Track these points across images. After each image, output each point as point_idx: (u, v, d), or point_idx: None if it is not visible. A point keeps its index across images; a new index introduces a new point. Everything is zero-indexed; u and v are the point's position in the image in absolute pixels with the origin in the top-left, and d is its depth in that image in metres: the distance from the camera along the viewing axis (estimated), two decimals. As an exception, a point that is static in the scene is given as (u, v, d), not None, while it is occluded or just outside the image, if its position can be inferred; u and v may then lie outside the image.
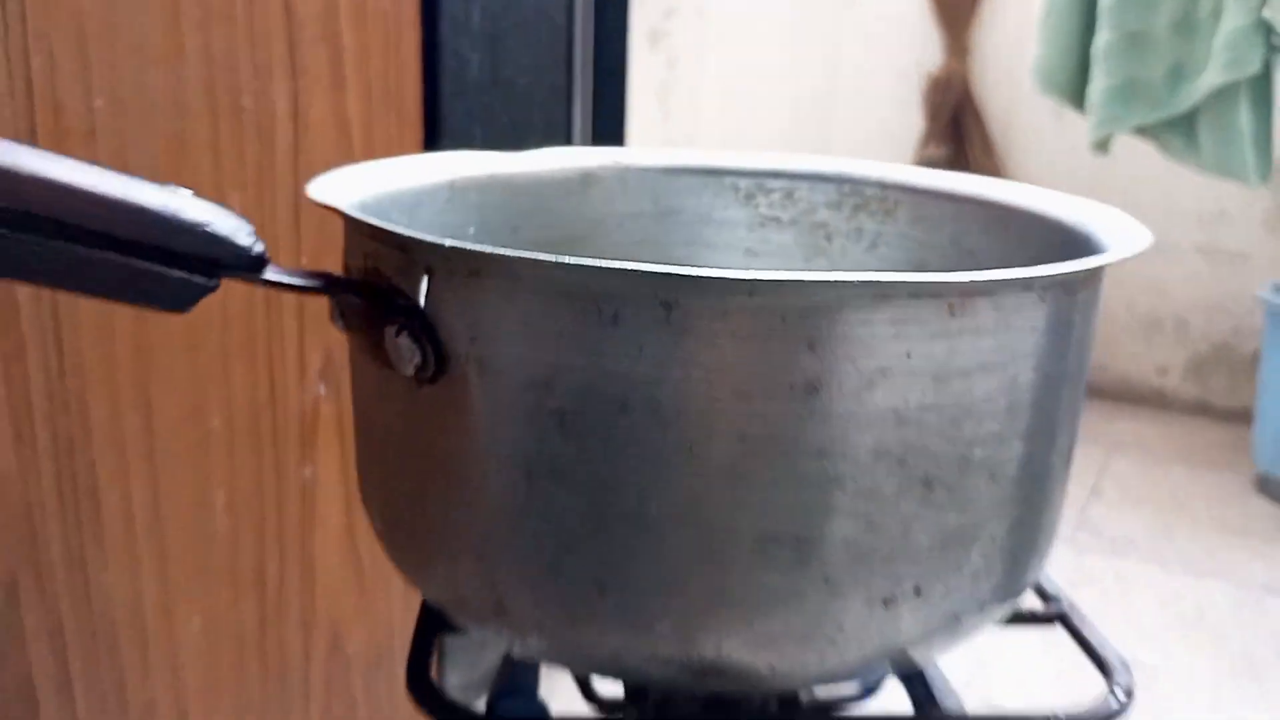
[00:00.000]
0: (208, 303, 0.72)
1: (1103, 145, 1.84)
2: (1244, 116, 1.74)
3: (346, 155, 0.80)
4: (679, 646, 0.31)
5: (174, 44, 0.67)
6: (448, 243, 0.29)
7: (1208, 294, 2.33)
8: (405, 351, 0.31)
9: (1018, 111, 2.38)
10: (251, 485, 0.78)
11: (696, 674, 0.32)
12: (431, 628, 0.38)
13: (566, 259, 0.27)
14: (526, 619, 0.32)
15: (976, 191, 0.46)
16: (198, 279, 0.28)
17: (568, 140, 1.07)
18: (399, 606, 0.93)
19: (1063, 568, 1.62)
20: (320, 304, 0.79)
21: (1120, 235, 0.34)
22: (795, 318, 0.27)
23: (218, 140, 0.71)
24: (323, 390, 0.82)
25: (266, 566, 0.80)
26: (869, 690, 0.44)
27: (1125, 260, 0.32)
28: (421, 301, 0.30)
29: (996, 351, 0.29)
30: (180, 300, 0.28)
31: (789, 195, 0.51)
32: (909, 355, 0.28)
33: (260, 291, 0.76)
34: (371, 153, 0.82)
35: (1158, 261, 2.35)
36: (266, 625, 0.81)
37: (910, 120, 2.47)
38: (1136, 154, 1.88)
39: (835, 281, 0.27)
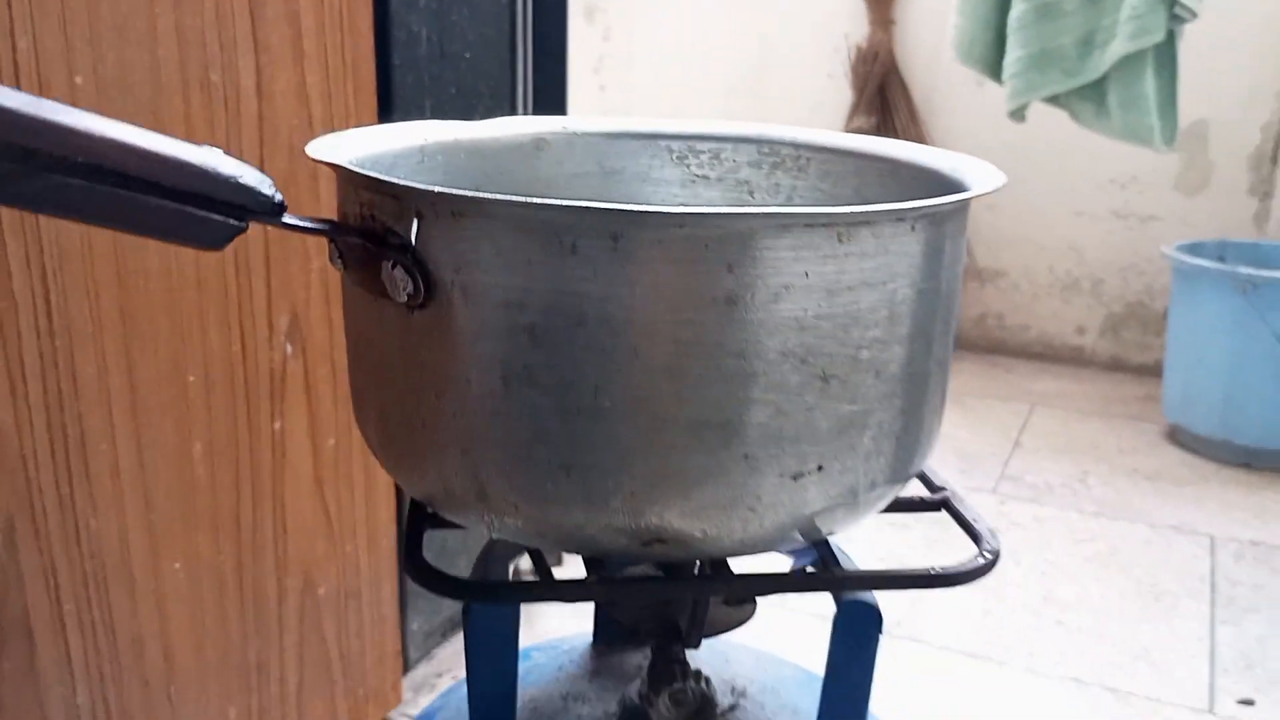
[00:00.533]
0: (183, 267, 0.77)
1: (1019, 113, 1.94)
2: (1150, 84, 1.84)
3: (307, 124, 0.85)
4: (630, 518, 0.38)
5: (148, 24, 0.72)
6: (436, 189, 0.35)
7: (1121, 255, 2.45)
8: (400, 282, 0.37)
9: (939, 82, 2.48)
10: (227, 437, 0.83)
11: (644, 542, 0.39)
12: (419, 524, 0.45)
13: (535, 199, 0.34)
14: (505, 502, 0.39)
15: (873, 150, 0.53)
16: (231, 221, 0.34)
17: (512, 109, 1.14)
18: (364, 552, 1.00)
19: (985, 513, 1.72)
20: (285, 268, 0.85)
21: (983, 179, 0.42)
22: (716, 245, 0.35)
23: (189, 112, 0.76)
24: (289, 350, 0.88)
25: (242, 513, 0.86)
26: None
27: (979, 196, 0.39)
28: (413, 240, 0.37)
29: (877, 271, 0.37)
30: (216, 239, 0.34)
31: (716, 156, 0.58)
32: (807, 274, 0.36)
33: (231, 258, 0.81)
34: (330, 122, 0.87)
35: (1075, 225, 2.47)
36: (243, 568, 0.87)
37: (840, 91, 2.55)
38: (1053, 122, 1.98)
39: (747, 214, 0.34)
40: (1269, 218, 2.26)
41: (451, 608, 1.22)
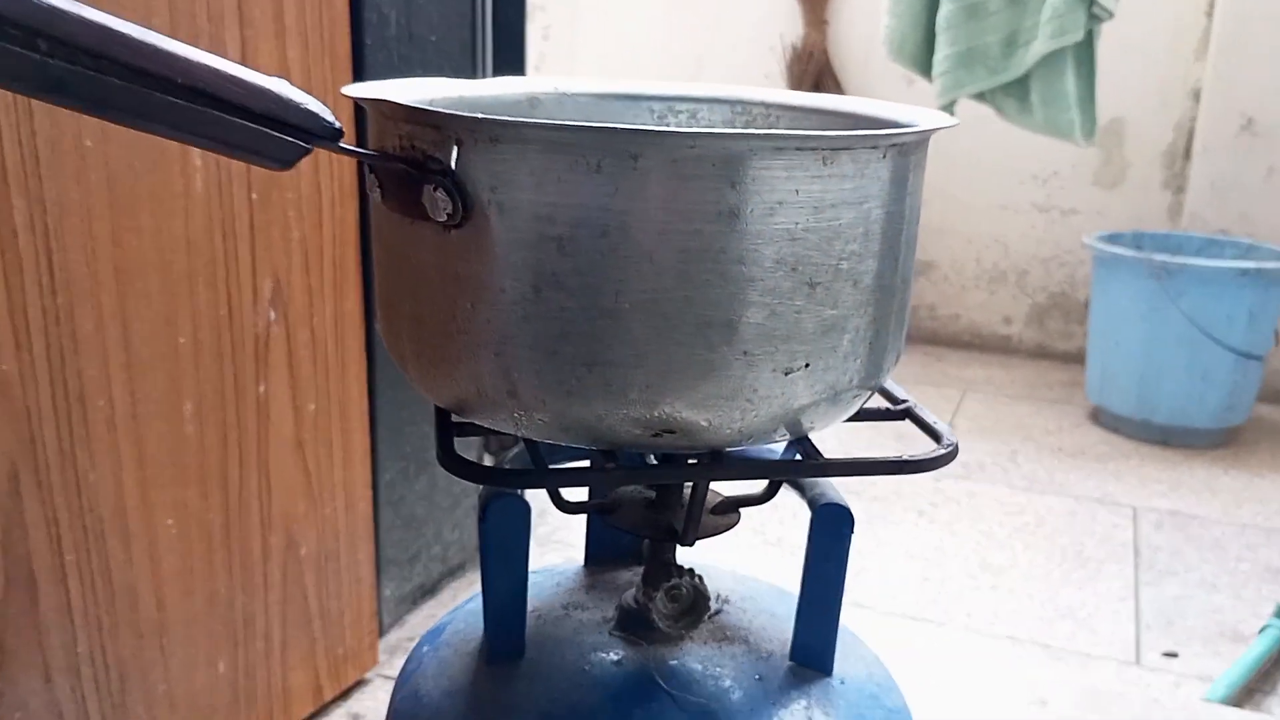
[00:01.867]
0: (172, 227, 0.81)
1: (947, 109, 2.03)
2: (1070, 81, 1.94)
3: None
4: (644, 408, 0.44)
5: (144, -3, 0.76)
6: (478, 115, 0.41)
7: (1044, 247, 2.57)
8: (440, 203, 0.42)
9: (872, 79, 2.58)
10: (214, 398, 0.87)
11: (655, 432, 0.45)
12: (447, 429, 0.50)
13: (564, 122, 0.40)
14: (533, 398, 0.44)
15: (837, 106, 0.60)
16: (300, 143, 0.39)
17: (476, 95, 1.18)
18: (342, 514, 1.03)
19: (921, 490, 1.81)
20: (268, 235, 0.89)
21: (933, 120, 0.48)
22: (721, 163, 0.40)
23: (182, 85, 0.80)
24: (273, 316, 0.92)
25: (229, 472, 0.89)
26: (768, 496, 0.58)
27: (933, 131, 0.46)
28: (453, 164, 0.42)
29: (854, 192, 0.43)
30: (287, 158, 0.39)
31: (693, 115, 0.64)
32: (797, 192, 0.42)
33: (218, 222, 0.85)
34: (310, 88, 0.91)
35: (1001, 219, 2.58)
36: (230, 524, 0.90)
37: (776, 86, 2.64)
38: (979, 119, 2.09)
39: (749, 134, 0.40)
40: (1181, 210, 2.39)
41: (422, 574, 1.26)
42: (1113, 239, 2.19)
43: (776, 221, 0.42)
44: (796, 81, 2.56)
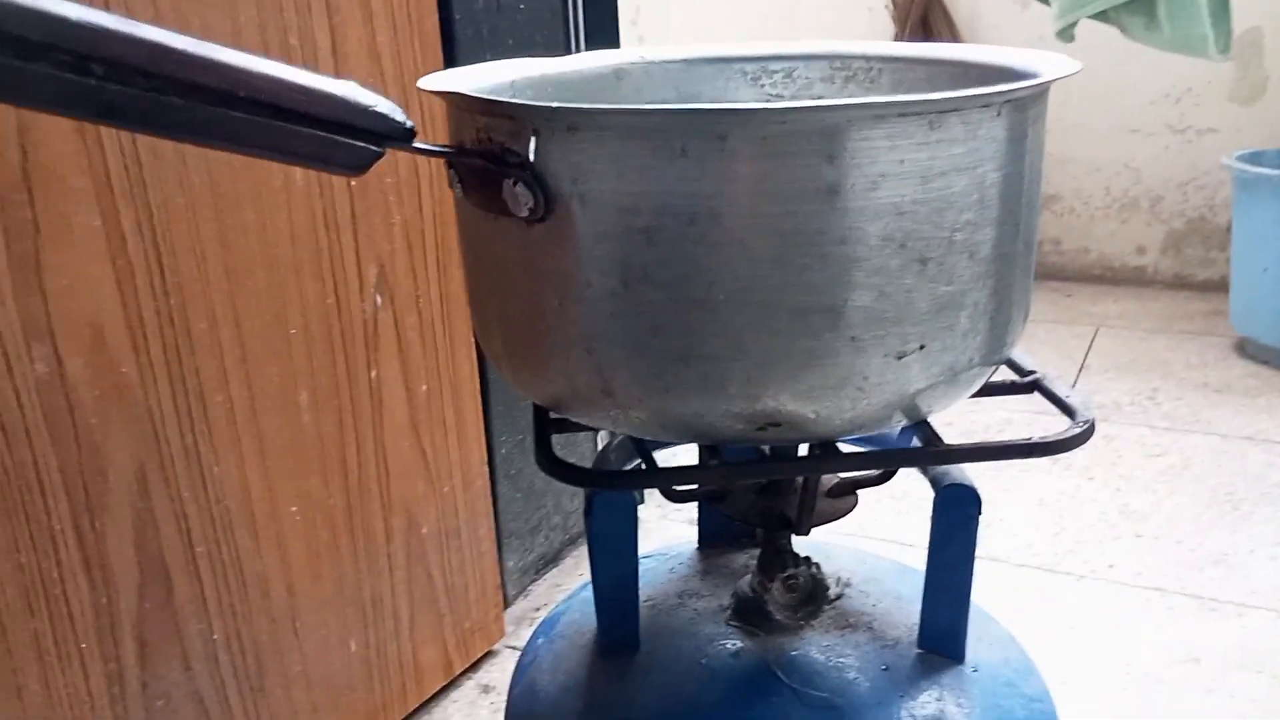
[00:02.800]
0: (276, 223, 0.81)
1: (1067, 33, 1.91)
2: (1201, -9, 1.81)
3: (380, 81, 0.89)
4: (745, 402, 0.41)
5: (229, -8, 0.76)
6: (553, 104, 0.38)
7: (1179, 171, 2.42)
8: (521, 198, 0.40)
9: (982, 6, 2.45)
10: (328, 386, 0.88)
11: (759, 426, 0.42)
12: (545, 427, 0.48)
13: (646, 106, 0.37)
14: (629, 395, 0.42)
15: (943, 55, 0.55)
16: (371, 147, 0.38)
17: (568, 59, 1.16)
18: (460, 492, 1.04)
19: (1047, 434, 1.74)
20: (370, 223, 0.89)
21: (1055, 68, 0.44)
22: (817, 137, 0.37)
23: (274, 78, 0.80)
24: (379, 301, 0.92)
25: (347, 458, 0.91)
26: (886, 476, 0.55)
27: (1054, 80, 0.42)
28: (531, 156, 0.40)
29: (967, 156, 0.39)
30: (359, 164, 0.38)
31: (789, 75, 0.60)
32: (902, 161, 0.38)
33: (320, 214, 0.85)
34: (401, 78, 0.91)
35: (1130, 143, 2.44)
36: (352, 509, 0.92)
37: (881, 24, 2.53)
38: (1101, 39, 1.96)
39: (845, 105, 0.37)
40: (1331, 121, 2.22)
41: (544, 545, 1.26)
42: (1254, 158, 2.04)
43: (880, 196, 0.38)
44: (903, 13, 2.45)
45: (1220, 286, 2.37)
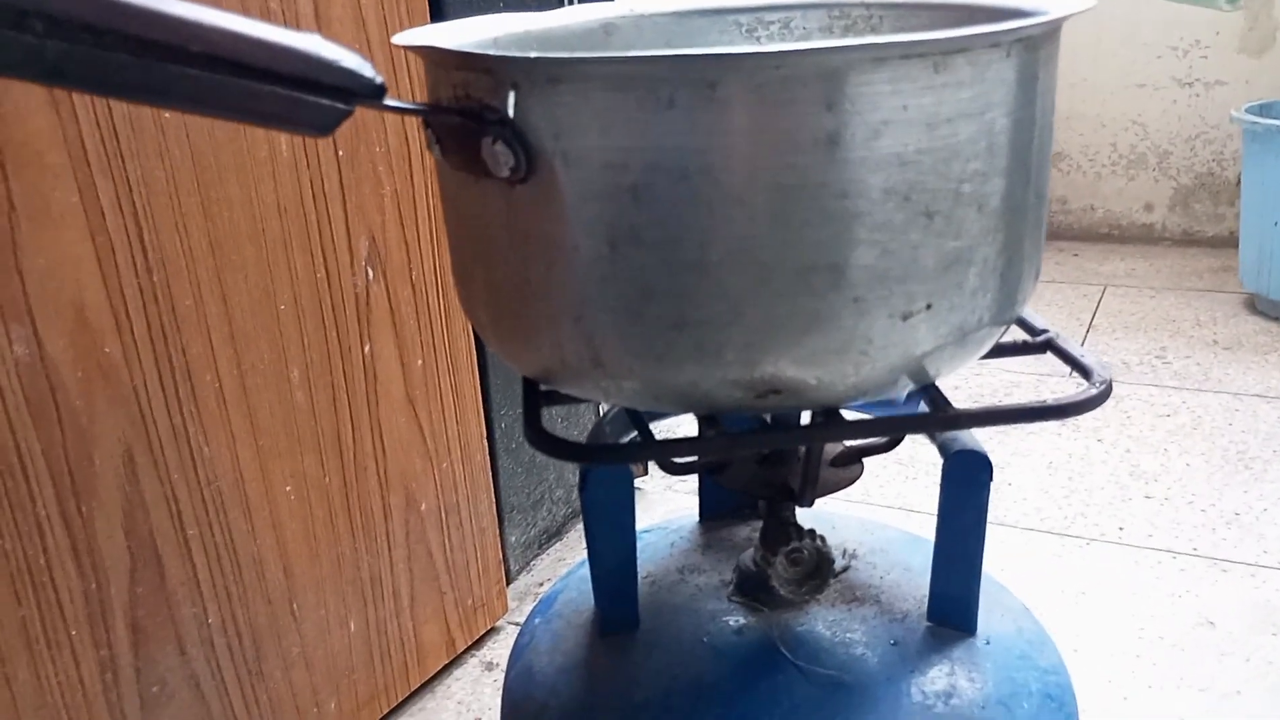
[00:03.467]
0: (263, 195, 0.79)
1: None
2: (1209, -59, 1.77)
3: (365, 46, 0.86)
4: (744, 369, 0.39)
5: (206, -44, 0.73)
6: (531, 55, 0.36)
7: (1187, 125, 2.38)
8: (501, 157, 0.38)
9: (988, -39, 2.40)
10: (321, 362, 0.86)
11: (759, 394, 0.40)
12: (534, 399, 0.46)
13: (629, 53, 0.35)
14: (620, 365, 0.40)
15: (947, 0, 0.52)
16: (338, 105, 0.35)
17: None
18: (460, 466, 1.02)
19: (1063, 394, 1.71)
20: (359, 193, 0.86)
21: (1065, 5, 0.41)
22: (814, 82, 0.35)
23: (253, 44, 0.77)
24: (370, 274, 0.90)
25: (342, 435, 0.89)
26: (893, 443, 0.53)
27: (1066, 17, 0.39)
28: (510, 113, 0.37)
29: (974, 101, 0.37)
30: (325, 123, 0.35)
31: (785, 25, 0.58)
32: (905, 108, 0.36)
33: (308, 185, 0.83)
34: (385, 40, 0.88)
35: (1137, 98, 2.40)
36: (349, 487, 0.90)
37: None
38: (1107, -9, 1.92)
39: (843, 46, 0.34)
40: (1342, 71, 2.17)
41: (546, 519, 1.25)
42: (1264, 109, 2.00)
43: (883, 145, 0.36)
44: (904, -29, 2.40)
45: (1229, 242, 2.34)
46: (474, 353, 1.03)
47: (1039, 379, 1.77)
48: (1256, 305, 2.03)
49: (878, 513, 1.38)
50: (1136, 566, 1.25)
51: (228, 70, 0.33)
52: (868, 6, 0.55)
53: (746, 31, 0.58)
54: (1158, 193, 2.46)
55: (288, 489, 0.85)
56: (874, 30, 0.55)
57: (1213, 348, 1.89)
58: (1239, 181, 2.28)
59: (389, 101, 0.37)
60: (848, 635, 0.50)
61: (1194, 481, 1.44)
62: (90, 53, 0.30)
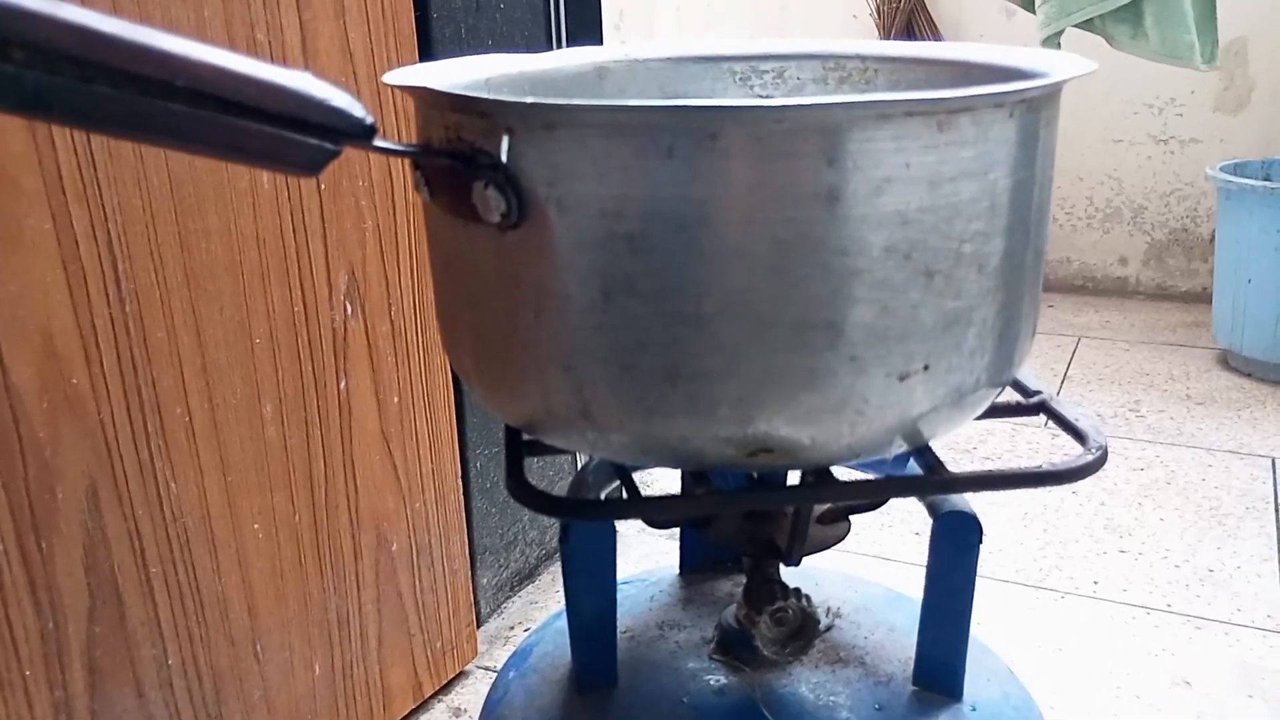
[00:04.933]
0: (242, 226, 0.78)
1: (1053, 40, 1.89)
2: (1187, 0, 1.79)
3: (352, 79, 0.85)
4: (737, 426, 0.38)
5: (193, -16, 0.72)
6: (528, 100, 0.35)
7: (1162, 181, 2.41)
8: (493, 202, 0.37)
9: (966, 15, 2.44)
10: (295, 398, 0.84)
11: (750, 452, 0.39)
12: (517, 449, 0.45)
13: (629, 102, 0.34)
14: (609, 418, 0.39)
15: (943, 55, 0.52)
16: (326, 145, 0.34)
17: (550, 62, 1.13)
18: (433, 507, 1.00)
19: (1038, 448, 1.71)
20: (340, 227, 0.85)
21: (1068, 67, 0.41)
22: (816, 137, 0.34)
23: (238, 74, 0.76)
24: (349, 309, 0.88)
25: (314, 471, 0.87)
26: (881, 501, 0.52)
27: (1070, 79, 0.39)
28: (504, 157, 0.37)
29: (977, 160, 0.36)
30: (312, 164, 0.34)
31: (779, 75, 0.57)
32: (908, 165, 0.35)
33: (288, 216, 0.82)
34: (374, 77, 0.87)
35: (1113, 153, 2.43)
36: (319, 526, 0.88)
37: (865, 31, 2.52)
38: (1085, 49, 1.94)
39: (847, 103, 0.34)
40: (1314, 133, 2.21)
41: (519, 561, 1.23)
42: (1239, 168, 2.03)
43: (885, 202, 0.35)
44: (888, 21, 2.43)
45: (1202, 298, 2.36)
46: (451, 390, 1.02)
47: (1014, 428, 1.77)
48: (1229, 361, 2.05)
49: (854, 561, 1.36)
50: (1111, 622, 1.25)
51: (214, 107, 0.32)
52: (863, 59, 0.55)
53: (740, 80, 0.57)
54: (1132, 247, 2.48)
55: (256, 527, 0.82)
56: (869, 83, 0.55)
57: (1186, 402, 1.90)
58: (1213, 238, 2.31)
59: (379, 143, 0.36)
60: (831, 699, 0.49)
61: (1168, 537, 1.44)
62: (72, 84, 0.29)
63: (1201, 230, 2.39)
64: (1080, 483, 1.60)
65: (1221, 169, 1.99)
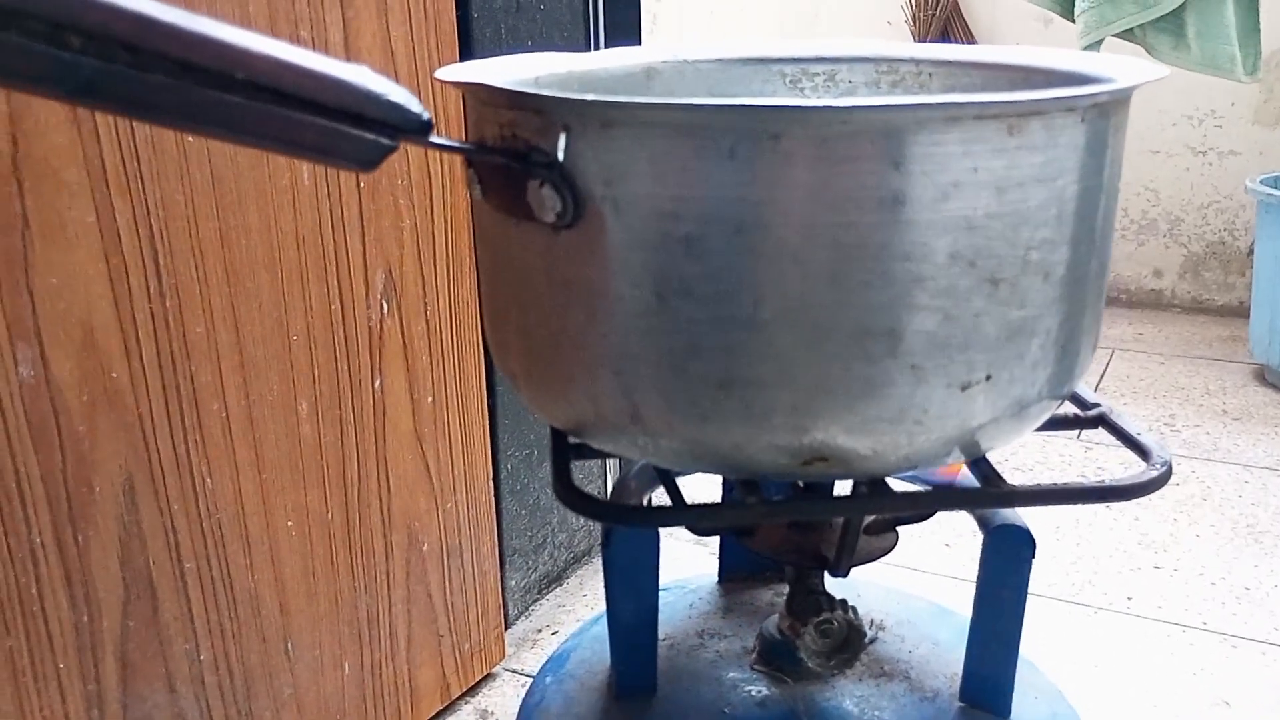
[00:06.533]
0: (282, 224, 0.77)
1: (1092, 50, 1.88)
2: (1230, 10, 1.77)
3: (393, 77, 0.85)
4: (791, 434, 0.37)
5: (238, -19, 0.72)
6: (587, 97, 0.34)
7: (1199, 194, 2.38)
8: (548, 201, 0.36)
9: (1002, 24, 2.41)
10: (330, 395, 0.84)
11: (805, 461, 0.38)
12: (564, 453, 0.44)
13: (690, 100, 0.33)
14: (659, 423, 0.38)
15: (1001, 59, 0.51)
16: (383, 140, 0.33)
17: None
18: (464, 508, 1.00)
19: (1071, 459, 1.69)
20: (379, 226, 0.85)
21: (1139, 72, 0.40)
22: (882, 140, 0.33)
23: (281, 71, 0.76)
24: (385, 308, 0.88)
25: (348, 471, 0.86)
26: (926, 514, 0.51)
27: (1142, 84, 0.38)
28: (560, 156, 0.36)
29: (1046, 166, 0.35)
30: (369, 158, 0.34)
31: (831, 78, 0.56)
32: (976, 170, 0.34)
33: (327, 215, 0.81)
34: (415, 75, 0.87)
35: (1150, 164, 2.40)
36: (351, 524, 0.87)
37: (899, 38, 2.50)
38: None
39: (916, 105, 0.33)
40: (1357, 147, 2.18)
41: (548, 563, 1.22)
42: (1278, 182, 2.00)
43: (951, 208, 0.34)
44: (924, 29, 2.42)
45: (1239, 312, 2.33)
46: (484, 392, 1.01)
47: (1045, 439, 1.75)
48: (1266, 376, 2.01)
49: (882, 572, 1.35)
50: (1146, 639, 1.22)
51: (270, 99, 0.31)
52: (917, 63, 0.54)
53: (790, 82, 0.56)
54: (1168, 259, 2.45)
55: (289, 524, 0.82)
56: (923, 88, 0.54)
57: (1222, 417, 1.87)
58: (1250, 251, 2.27)
59: (435, 139, 0.35)
60: (876, 713, 0.48)
61: (1203, 553, 1.42)
62: (126, 72, 0.29)
63: (1239, 243, 2.36)
64: (1114, 497, 1.58)
65: (1262, 182, 1.96)
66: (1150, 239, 2.45)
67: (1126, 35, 1.85)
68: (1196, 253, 2.42)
